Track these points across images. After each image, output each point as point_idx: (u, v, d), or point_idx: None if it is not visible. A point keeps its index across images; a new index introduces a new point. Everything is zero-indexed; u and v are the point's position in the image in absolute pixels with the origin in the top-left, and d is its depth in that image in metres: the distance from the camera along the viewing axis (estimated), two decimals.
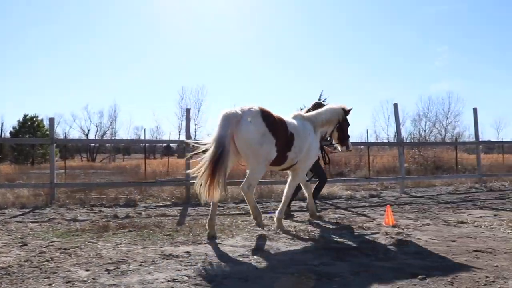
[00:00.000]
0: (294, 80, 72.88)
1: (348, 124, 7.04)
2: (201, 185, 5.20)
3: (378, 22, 77.21)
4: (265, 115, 5.55)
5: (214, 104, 76.81)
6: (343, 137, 6.97)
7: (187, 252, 4.77)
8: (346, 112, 6.90)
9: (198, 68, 69.94)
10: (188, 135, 10.57)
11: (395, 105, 11.77)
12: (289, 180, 6.55)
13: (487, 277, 3.75)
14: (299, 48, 74.75)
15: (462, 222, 6.65)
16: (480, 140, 15.33)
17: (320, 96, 48.02)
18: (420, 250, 4.81)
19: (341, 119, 6.80)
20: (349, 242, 5.25)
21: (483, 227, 6.28)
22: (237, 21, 71.69)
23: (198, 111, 56.19)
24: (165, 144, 57.19)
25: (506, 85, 69.81)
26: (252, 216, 6.04)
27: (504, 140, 44.46)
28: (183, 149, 13.17)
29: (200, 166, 5.27)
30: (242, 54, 72.09)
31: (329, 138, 7.00)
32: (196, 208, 8.62)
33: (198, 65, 70.22)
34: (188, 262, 4.33)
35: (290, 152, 5.91)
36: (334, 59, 75.45)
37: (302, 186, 7.19)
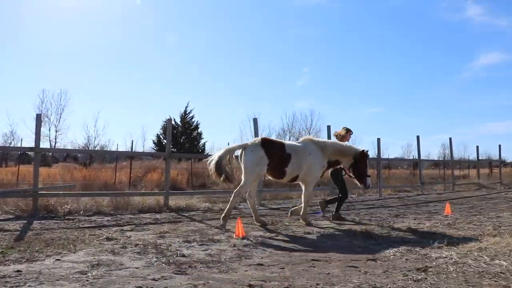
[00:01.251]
0: (160, 87, 71.86)
1: (366, 165, 8.28)
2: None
3: (252, 41, 79.68)
4: (264, 143, 7.62)
5: (78, 111, 72.82)
6: (359, 175, 8.26)
7: (18, 271, 4.34)
8: (362, 154, 8.22)
9: (61, 72, 65.82)
10: (37, 143, 9.80)
11: (255, 120, 12.15)
12: (303, 191, 8.23)
13: (317, 284, 3.94)
14: (165, 55, 73.94)
15: (308, 233, 7.00)
16: None
17: (186, 107, 47.80)
18: (263, 262, 4.91)
19: (357, 158, 8.17)
20: (196, 255, 5.20)
21: (326, 236, 6.67)
22: (105, 26, 68.92)
23: (60, 116, 52.55)
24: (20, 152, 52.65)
25: (357, 106, 76.38)
26: (223, 214, 7.74)
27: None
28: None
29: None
30: (107, 60, 69.52)
31: (344, 168, 8.64)
32: (43, 221, 7.99)
33: (61, 68, 66.06)
34: (15, 283, 3.93)
35: (287, 167, 7.70)
36: (206, 71, 76.15)
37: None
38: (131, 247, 5.62)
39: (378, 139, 17.92)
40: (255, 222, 7.98)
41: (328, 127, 14.07)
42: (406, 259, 5.00)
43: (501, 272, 4.29)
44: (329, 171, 8.83)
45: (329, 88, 79.12)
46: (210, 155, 8.10)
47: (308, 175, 7.99)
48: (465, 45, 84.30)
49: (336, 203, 9.03)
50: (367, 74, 79.47)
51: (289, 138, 62.63)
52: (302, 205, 8.20)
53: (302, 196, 8.26)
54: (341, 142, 8.63)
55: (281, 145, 7.83)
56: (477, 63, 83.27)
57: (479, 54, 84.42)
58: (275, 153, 7.61)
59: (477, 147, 25.03)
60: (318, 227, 7.69)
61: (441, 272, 4.33)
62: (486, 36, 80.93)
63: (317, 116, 62.37)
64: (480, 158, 27.89)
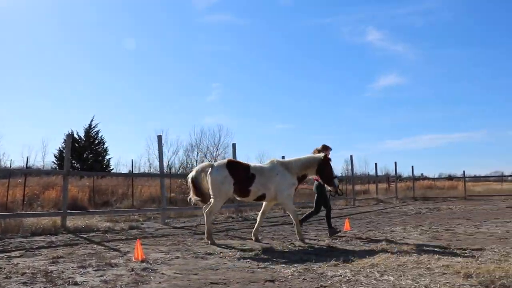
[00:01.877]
0: (63, 99, 68.37)
1: (331, 169, 8.77)
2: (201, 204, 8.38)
3: (162, 55, 78.52)
4: (229, 164, 8.24)
5: None
6: (327, 179, 8.73)
7: None
8: (325, 159, 8.66)
9: None
10: None
11: (159, 138, 11.98)
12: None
13: None
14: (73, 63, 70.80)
15: (210, 254, 6.97)
16: None
17: (91, 121, 46.07)
18: (160, 286, 4.82)
19: (321, 164, 8.56)
20: (90, 282, 4.96)
21: (227, 257, 6.65)
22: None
23: None
24: None
25: (266, 122, 78.07)
26: (205, 235, 8.31)
27: None
28: None
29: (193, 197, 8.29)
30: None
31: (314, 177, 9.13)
32: None
33: None
34: None
35: (252, 187, 8.14)
36: (113, 84, 73.71)
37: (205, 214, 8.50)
38: (17, 277, 5.21)
39: (351, 156, 18.58)
40: (252, 237, 8.57)
41: (233, 145, 14.26)
42: (304, 279, 5.13)
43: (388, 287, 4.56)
44: (314, 186, 9.65)
45: (239, 104, 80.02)
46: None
47: (279, 193, 8.37)
48: (367, 67, 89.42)
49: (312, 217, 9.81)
50: (276, 91, 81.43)
51: (197, 154, 62.58)
52: (294, 223, 8.56)
53: (291, 215, 8.70)
54: (303, 156, 8.86)
55: (246, 166, 8.38)
56: (377, 84, 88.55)
57: (379, 76, 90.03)
58: (239, 173, 8.15)
59: (376, 164, 26.62)
60: (220, 247, 7.70)
61: None
62: (385, 59, 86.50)
63: (225, 132, 62.63)
64: (378, 173, 29.60)
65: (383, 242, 7.96)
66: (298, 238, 8.45)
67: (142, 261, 6.18)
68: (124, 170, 43.63)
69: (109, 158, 45.25)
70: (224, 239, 8.96)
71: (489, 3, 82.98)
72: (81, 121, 60.87)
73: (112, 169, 42.75)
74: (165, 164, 58.79)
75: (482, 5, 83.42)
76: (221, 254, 6.96)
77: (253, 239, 8.52)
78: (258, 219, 8.77)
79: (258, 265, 6.03)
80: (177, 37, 78.64)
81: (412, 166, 30.24)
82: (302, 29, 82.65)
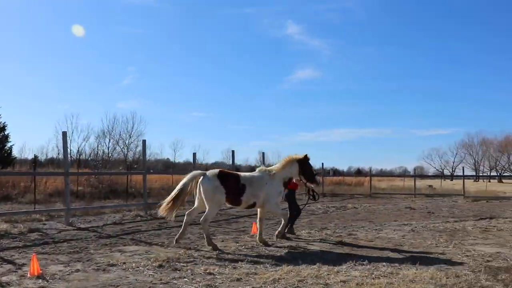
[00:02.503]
0: None
1: (311, 167, 9.44)
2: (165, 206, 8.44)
3: (76, 38, 74.69)
4: (220, 175, 8.50)
5: None
6: (309, 177, 9.29)
7: None
8: (305, 158, 9.25)
9: None
10: None
11: (64, 134, 11.41)
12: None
13: None
14: None
15: (113, 265, 6.75)
16: (151, 170, 16.17)
17: None
18: None
19: (301, 163, 9.17)
20: None
21: (130, 269, 6.46)
22: None
23: None
24: None
25: (182, 110, 77.29)
26: (206, 243, 8.35)
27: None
28: None
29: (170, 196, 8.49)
30: None
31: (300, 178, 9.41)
32: None
33: None
34: None
35: (243, 196, 8.56)
36: (22, 66, 69.25)
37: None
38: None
39: (233, 151, 20.17)
40: (259, 242, 8.88)
41: (144, 142, 14.10)
42: None
43: None
44: (284, 194, 9.81)
45: (155, 90, 78.46)
46: (17, 158, 7.46)
47: (267, 202, 8.86)
48: (284, 59, 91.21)
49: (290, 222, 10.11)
50: (193, 79, 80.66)
51: (109, 141, 60.66)
52: (283, 224, 9.33)
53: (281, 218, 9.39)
54: (284, 160, 9.36)
55: (236, 176, 8.76)
56: (294, 77, 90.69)
57: (296, 69, 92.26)
58: (230, 183, 8.47)
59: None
60: (124, 255, 7.53)
61: None
62: (302, 53, 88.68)
63: (139, 120, 61.06)
64: None
65: (287, 250, 8.17)
66: (277, 235, 9.47)
67: (38, 277, 5.88)
68: (31, 156, 41.35)
69: (11, 146, 42.46)
70: (129, 244, 8.77)
71: (403, 5, 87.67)
72: None
73: (15, 158, 40.24)
74: (74, 151, 56.59)
75: (396, 6, 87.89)
76: (124, 265, 6.75)
77: (262, 244, 8.80)
78: (258, 226, 9.11)
79: (160, 279, 5.93)
80: (93, 17, 75.42)
81: (323, 163, 31.39)
82: (223, 18, 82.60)
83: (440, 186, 40.43)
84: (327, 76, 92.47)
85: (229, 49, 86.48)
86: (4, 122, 42.09)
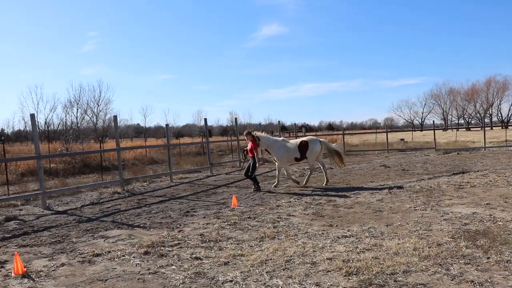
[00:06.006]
0: None
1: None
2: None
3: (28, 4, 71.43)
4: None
5: None
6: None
7: None
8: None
9: None
10: None
11: (32, 116, 11.00)
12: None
13: None
14: None
15: (98, 255, 6.66)
16: (121, 146, 15.91)
17: None
18: None
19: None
20: None
21: (116, 259, 6.37)
22: None
23: None
24: None
25: (149, 73, 75.83)
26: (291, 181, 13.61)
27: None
28: None
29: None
30: None
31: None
32: None
33: None
34: None
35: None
36: None
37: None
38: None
39: (205, 119, 20.93)
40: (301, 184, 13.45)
41: (115, 117, 13.97)
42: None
43: None
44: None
45: (119, 54, 76.64)
46: None
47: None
48: (251, 15, 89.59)
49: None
50: (156, 40, 78.67)
51: (77, 110, 59.47)
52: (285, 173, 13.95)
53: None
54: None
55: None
56: (261, 34, 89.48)
57: (262, 26, 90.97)
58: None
59: (260, 123, 27.18)
60: (108, 241, 7.45)
61: None
62: (267, 9, 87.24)
63: (106, 87, 60.05)
64: (262, 123, 30.36)
65: (270, 225, 8.18)
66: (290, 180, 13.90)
67: (24, 276, 5.76)
68: None
69: None
70: (111, 228, 8.65)
71: None
72: None
73: None
74: (42, 122, 55.30)
75: None
76: (109, 254, 6.67)
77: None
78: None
79: (148, 269, 5.88)
80: None
81: (295, 123, 31.44)
82: None
83: (412, 140, 41.13)
84: (293, 30, 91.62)
85: (194, 5, 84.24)
86: None
